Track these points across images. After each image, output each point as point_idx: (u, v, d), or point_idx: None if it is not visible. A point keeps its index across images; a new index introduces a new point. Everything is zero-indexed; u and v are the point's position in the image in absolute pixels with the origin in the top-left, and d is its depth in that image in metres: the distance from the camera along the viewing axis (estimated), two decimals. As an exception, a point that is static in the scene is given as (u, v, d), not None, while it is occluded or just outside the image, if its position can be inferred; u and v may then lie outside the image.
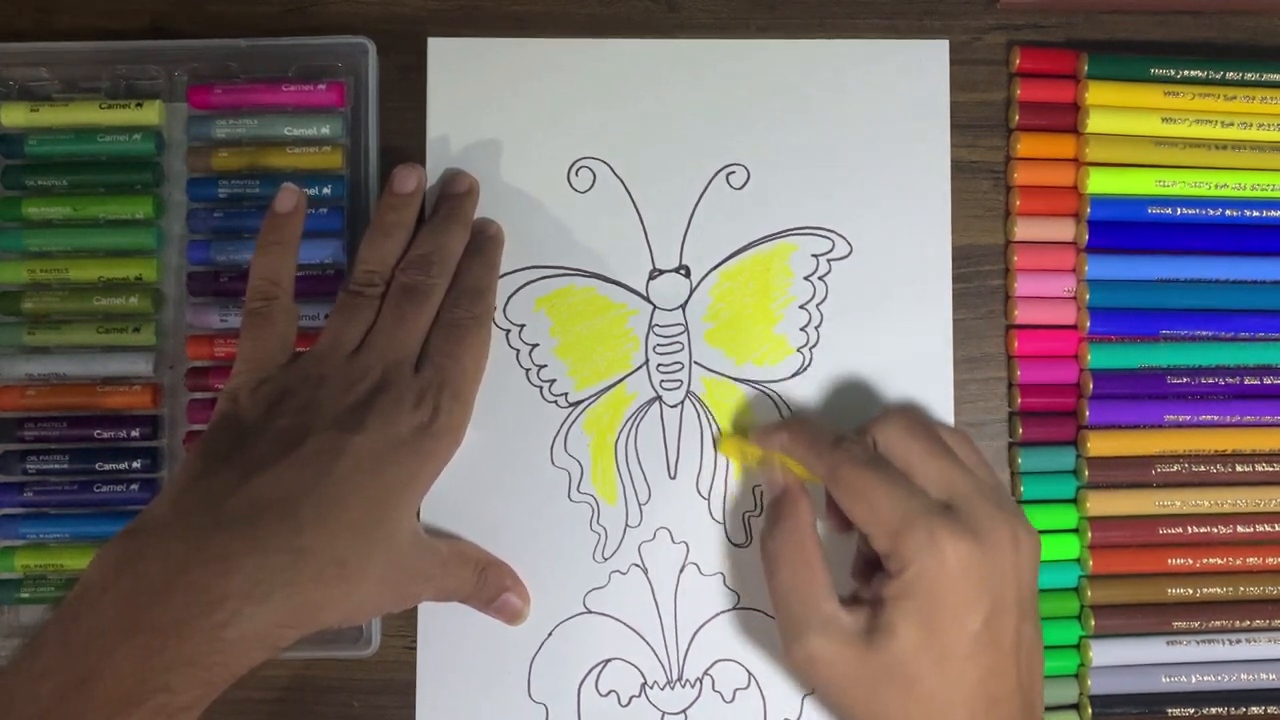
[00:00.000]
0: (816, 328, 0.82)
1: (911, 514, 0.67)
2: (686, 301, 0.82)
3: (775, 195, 0.82)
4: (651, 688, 0.80)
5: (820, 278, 0.82)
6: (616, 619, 0.80)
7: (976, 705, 0.66)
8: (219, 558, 0.62)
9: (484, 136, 0.82)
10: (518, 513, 0.81)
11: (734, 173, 0.82)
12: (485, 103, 0.82)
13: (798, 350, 0.82)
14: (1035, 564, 0.70)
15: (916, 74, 0.83)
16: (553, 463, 0.81)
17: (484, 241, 0.79)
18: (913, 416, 0.73)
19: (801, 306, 0.82)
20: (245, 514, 0.64)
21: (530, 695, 0.80)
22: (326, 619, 0.66)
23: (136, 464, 0.80)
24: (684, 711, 0.80)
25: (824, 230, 0.82)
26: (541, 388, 0.81)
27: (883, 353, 0.81)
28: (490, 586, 0.78)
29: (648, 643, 0.80)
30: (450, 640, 0.80)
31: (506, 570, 0.79)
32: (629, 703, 0.80)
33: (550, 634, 0.80)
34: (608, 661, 0.80)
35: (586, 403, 0.81)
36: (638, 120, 0.83)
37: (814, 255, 0.82)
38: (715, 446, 0.81)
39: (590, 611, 0.81)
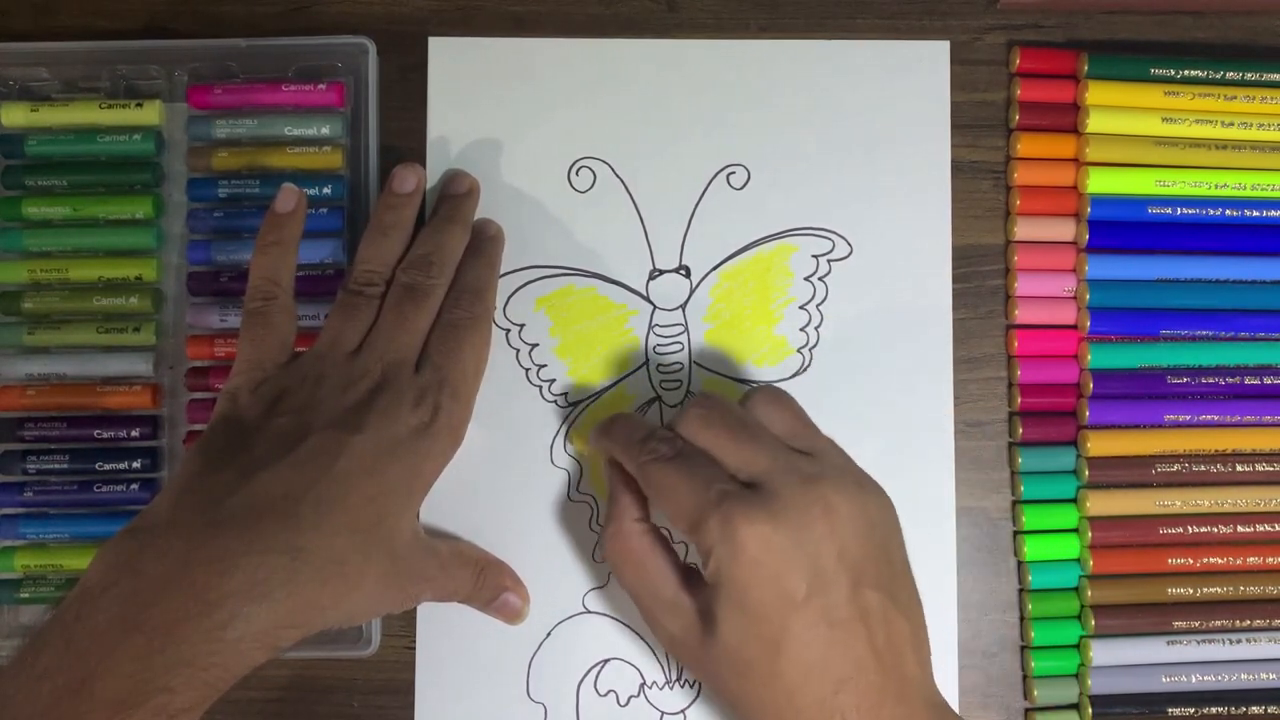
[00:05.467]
0: (816, 328, 0.82)
1: (706, 505, 0.65)
2: (686, 302, 0.82)
3: (775, 195, 0.82)
4: (650, 688, 0.80)
5: (820, 278, 0.82)
6: (616, 619, 0.81)
7: (823, 685, 0.64)
8: (218, 558, 0.62)
9: (484, 136, 0.82)
10: (518, 513, 0.81)
11: (734, 173, 0.82)
12: (485, 103, 0.82)
13: (798, 351, 0.82)
14: (864, 526, 0.66)
15: (917, 74, 0.83)
16: (553, 463, 0.81)
17: (484, 242, 0.79)
18: (709, 402, 0.71)
19: (801, 307, 0.82)
20: (245, 514, 0.64)
21: (529, 695, 0.80)
22: (327, 619, 0.66)
23: (136, 464, 0.80)
24: (683, 711, 0.80)
25: (824, 230, 0.82)
26: (541, 387, 0.81)
27: (883, 353, 0.82)
28: (489, 586, 0.78)
29: (647, 643, 0.80)
30: (449, 640, 0.80)
31: (506, 570, 0.79)
32: (627, 703, 0.80)
33: (549, 634, 0.80)
34: (607, 661, 0.81)
35: (586, 403, 0.81)
36: (638, 120, 0.83)
37: (814, 256, 0.82)
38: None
39: (589, 611, 0.81)
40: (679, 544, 0.78)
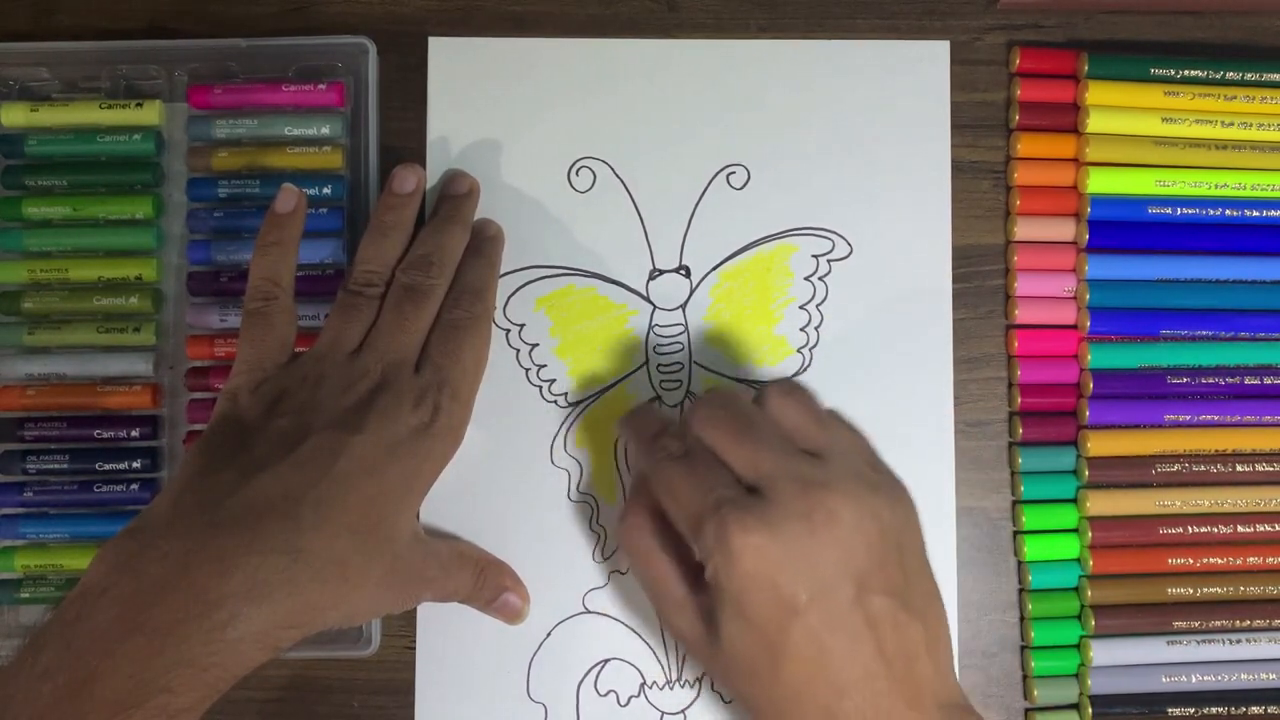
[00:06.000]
0: (816, 328, 0.82)
1: (705, 510, 0.64)
2: (686, 302, 0.82)
3: (775, 195, 0.82)
4: (650, 688, 0.80)
5: (820, 278, 0.82)
6: (616, 619, 0.81)
7: (826, 692, 0.63)
8: (218, 558, 0.62)
9: (484, 136, 0.82)
10: (518, 513, 0.81)
11: (734, 173, 0.82)
12: (485, 103, 0.82)
13: (798, 351, 0.82)
14: (873, 531, 0.65)
15: (917, 74, 0.83)
16: (553, 463, 0.81)
17: (484, 242, 0.79)
18: (716, 401, 0.70)
19: (801, 307, 0.82)
20: (245, 514, 0.64)
21: (529, 695, 0.80)
22: (326, 620, 0.66)
23: (136, 464, 0.80)
24: (683, 712, 0.80)
25: (824, 230, 0.82)
26: (541, 388, 0.81)
27: (883, 353, 0.82)
28: (490, 586, 0.78)
29: (647, 643, 0.80)
30: (449, 640, 0.80)
31: (506, 570, 0.79)
32: (628, 703, 0.80)
33: (549, 634, 0.80)
34: (607, 661, 0.81)
35: (586, 403, 0.81)
36: (638, 120, 0.83)
37: (814, 256, 0.82)
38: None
39: (589, 611, 0.81)
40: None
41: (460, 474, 0.77)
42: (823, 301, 0.82)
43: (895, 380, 0.81)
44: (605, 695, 0.80)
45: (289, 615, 0.63)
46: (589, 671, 0.80)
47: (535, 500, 0.81)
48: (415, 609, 0.80)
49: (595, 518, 0.81)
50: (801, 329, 0.82)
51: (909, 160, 0.82)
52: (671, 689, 0.80)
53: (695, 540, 0.65)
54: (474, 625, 0.80)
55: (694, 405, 0.71)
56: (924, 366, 0.81)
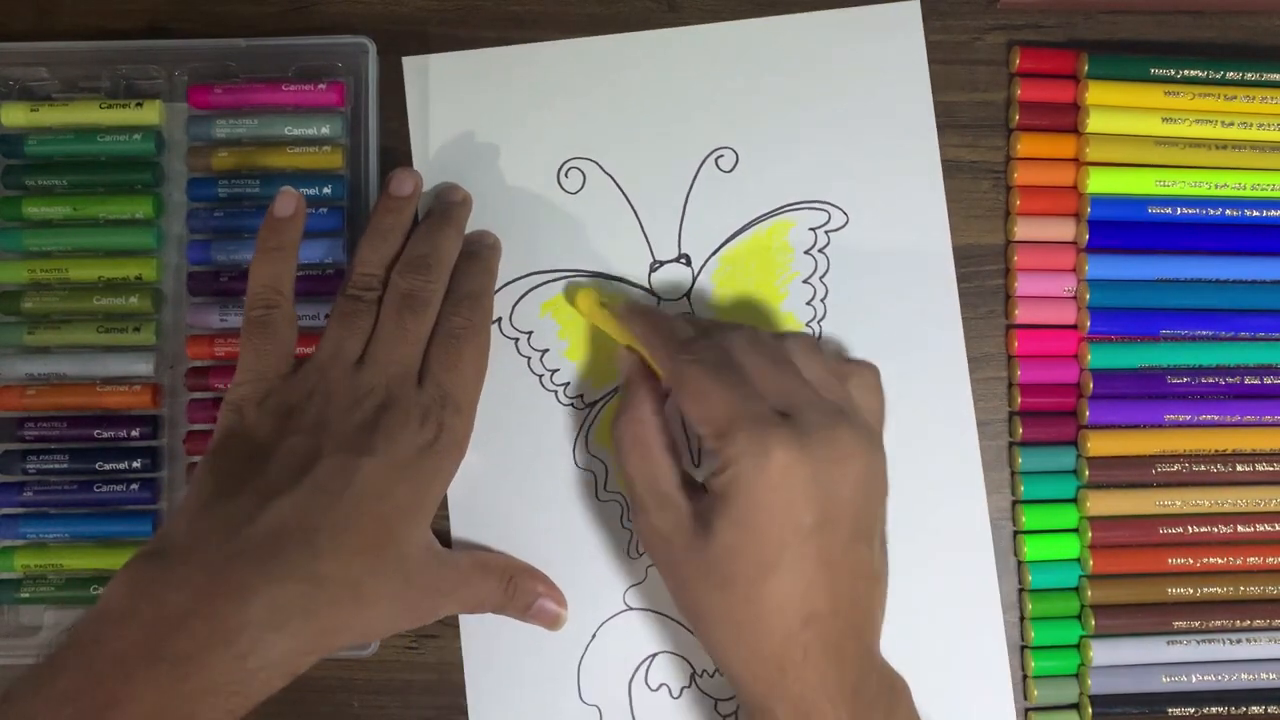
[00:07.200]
0: (822, 300, 0.82)
1: (742, 416, 0.66)
2: (690, 290, 0.83)
3: (765, 174, 0.83)
4: (701, 676, 0.81)
5: (820, 250, 0.82)
6: (658, 612, 0.81)
7: (790, 618, 0.65)
8: (239, 587, 0.62)
9: (468, 150, 0.83)
10: (548, 518, 0.81)
11: (722, 156, 0.82)
12: (466, 117, 0.83)
13: (807, 324, 0.82)
14: (872, 483, 0.69)
15: (891, 37, 0.83)
16: (576, 464, 0.81)
17: (481, 248, 0.79)
18: (755, 331, 0.73)
19: (805, 280, 0.82)
20: (264, 542, 0.65)
21: (581, 698, 0.81)
22: (342, 641, 0.67)
23: (136, 464, 0.81)
24: (735, 697, 0.81)
25: (818, 203, 0.82)
26: (556, 392, 0.81)
27: (889, 316, 0.82)
28: (523, 594, 0.78)
29: (692, 633, 0.80)
30: (496, 651, 0.81)
31: (538, 576, 0.80)
32: (680, 694, 0.81)
33: (595, 635, 0.81)
34: (654, 655, 0.81)
35: (603, 402, 0.82)
36: (620, 115, 0.83)
37: (811, 229, 0.82)
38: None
39: (631, 608, 0.81)
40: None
41: (488, 485, 0.79)
42: (825, 274, 0.82)
43: (904, 342, 0.82)
44: (657, 690, 0.81)
45: (308, 641, 0.64)
46: (638, 667, 0.81)
47: (564, 504, 0.81)
48: (458, 622, 0.81)
49: (625, 514, 0.81)
50: (808, 303, 0.83)
51: (893, 123, 0.83)
52: (722, 675, 0.80)
53: (721, 442, 0.66)
54: (517, 634, 0.80)
55: (730, 331, 0.72)
56: (930, 323, 0.82)
